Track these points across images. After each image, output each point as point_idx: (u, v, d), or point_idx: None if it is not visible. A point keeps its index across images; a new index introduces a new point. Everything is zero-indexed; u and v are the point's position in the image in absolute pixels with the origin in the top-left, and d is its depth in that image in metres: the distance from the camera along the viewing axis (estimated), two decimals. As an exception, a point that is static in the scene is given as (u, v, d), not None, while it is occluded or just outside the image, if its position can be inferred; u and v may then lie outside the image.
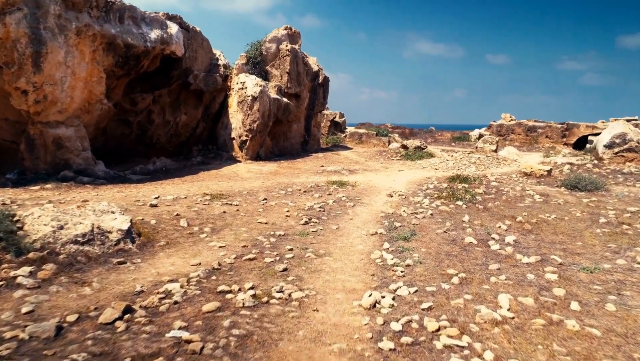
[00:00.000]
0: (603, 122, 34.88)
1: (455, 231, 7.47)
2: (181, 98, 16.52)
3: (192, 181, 12.19)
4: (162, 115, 15.86)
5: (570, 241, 6.98)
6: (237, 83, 16.82)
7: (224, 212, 8.33)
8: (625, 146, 15.55)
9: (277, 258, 5.89)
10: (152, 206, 8.28)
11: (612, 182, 12.95)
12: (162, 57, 14.04)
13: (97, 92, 11.74)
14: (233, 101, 17.03)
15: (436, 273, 5.44)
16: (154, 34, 12.95)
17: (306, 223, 7.87)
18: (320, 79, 20.56)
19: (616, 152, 15.74)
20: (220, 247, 6.31)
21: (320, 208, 9.14)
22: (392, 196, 10.93)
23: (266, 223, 7.75)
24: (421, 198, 10.53)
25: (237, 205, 9.05)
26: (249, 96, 16.20)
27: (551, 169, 14.33)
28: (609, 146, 16.01)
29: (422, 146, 20.15)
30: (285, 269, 5.44)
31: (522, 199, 10.63)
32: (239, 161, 16.20)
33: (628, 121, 33.46)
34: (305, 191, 11.01)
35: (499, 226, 7.83)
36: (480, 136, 36.93)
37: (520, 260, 5.93)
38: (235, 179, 12.70)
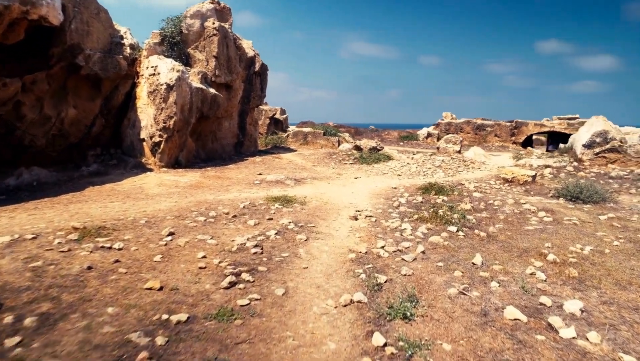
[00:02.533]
0: (548, 120, 34.91)
1: (476, 289, 4.73)
2: (69, 86, 12.54)
3: (68, 203, 8.52)
4: (38, 108, 11.80)
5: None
6: (148, 68, 13.16)
7: (90, 268, 4.96)
8: (607, 146, 14.05)
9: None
10: (-51, 264, 4.72)
11: (609, 189, 11.10)
12: (29, 25, 10.13)
13: None
14: (142, 91, 13.34)
15: None
16: (10, -12, 9.06)
17: (231, 285, 4.74)
18: (257, 66, 17.35)
19: (597, 153, 14.20)
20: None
21: (256, 247, 6.04)
22: (357, 219, 8.08)
23: (160, 290, 4.52)
24: (398, 221, 7.79)
25: (120, 249, 5.69)
26: (162, 85, 12.62)
27: (536, 174, 12.33)
28: (589, 146, 14.45)
29: (378, 147, 17.67)
30: None
31: (526, 219, 8.27)
32: (150, 170, 12.57)
33: (569, 119, 33.71)
34: (235, 216, 7.83)
35: (532, 274, 5.24)
36: (429, 134, 35.68)
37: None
38: (137, 198, 9.19)
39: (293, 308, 4.27)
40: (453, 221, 7.84)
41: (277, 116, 23.17)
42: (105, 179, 11.10)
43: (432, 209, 8.78)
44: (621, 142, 13.93)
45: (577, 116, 33.81)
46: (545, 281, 5.03)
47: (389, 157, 17.13)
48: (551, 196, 10.50)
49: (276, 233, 6.79)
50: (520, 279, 5.04)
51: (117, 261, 5.25)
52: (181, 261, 5.43)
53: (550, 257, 5.80)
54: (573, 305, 4.17)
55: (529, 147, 18.07)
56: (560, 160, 14.63)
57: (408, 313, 4.01)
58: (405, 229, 7.30)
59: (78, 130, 13.04)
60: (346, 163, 16.48)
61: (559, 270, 5.38)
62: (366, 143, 17.93)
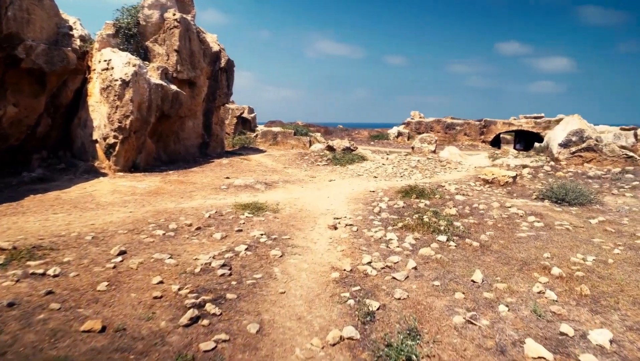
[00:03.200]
0: (515, 119, 35.45)
1: (484, 316, 4.08)
2: (7, 81, 11.18)
3: (0, 215, 7.34)
4: (-30, 106, 10.42)
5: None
6: (100, 62, 11.94)
7: (11, 304, 3.98)
8: (583, 145, 13.95)
9: None
10: None
11: (592, 190, 10.86)
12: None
13: None
14: (94, 88, 12.11)
15: None
16: None
17: (193, 320, 3.88)
18: (223, 62, 16.32)
19: (573, 152, 14.08)
20: None
21: (223, 266, 5.19)
22: (336, 228, 7.35)
23: (101, 332, 3.62)
24: (381, 230, 7.11)
25: (55, 276, 4.71)
26: (117, 80, 11.46)
27: (516, 175, 12.00)
28: (565, 145, 14.33)
29: (351, 148, 17.03)
30: None
31: (516, 224, 7.78)
32: (104, 175, 11.39)
33: (536, 118, 34.35)
34: (199, 228, 6.92)
35: (540, 292, 4.66)
36: (399, 134, 35.52)
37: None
38: (85, 208, 8.10)
39: (270, 352, 3.47)
40: (441, 229, 7.23)
41: (245, 115, 22.12)
42: (50, 186, 9.88)
43: (416, 215, 8.18)
44: (597, 141, 13.88)
45: (543, 115, 34.48)
46: (557, 301, 4.45)
47: (363, 158, 16.52)
48: (535, 198, 10.13)
49: (247, 248, 5.95)
50: (529, 300, 4.44)
51: (49, 292, 4.27)
52: (132, 289, 4.51)
53: (555, 270, 5.25)
54: (600, 336, 3.58)
55: (505, 147, 17.98)
56: (537, 159, 14.47)
57: (413, 356, 3.30)
58: (391, 240, 6.62)
59: (19, 131, 11.67)
60: (319, 164, 15.73)
61: (568, 287, 4.83)
62: (339, 143, 17.26)
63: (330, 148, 17.21)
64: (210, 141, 16.58)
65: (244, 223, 7.40)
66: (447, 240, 6.61)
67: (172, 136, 14.74)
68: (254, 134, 21.15)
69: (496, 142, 37.00)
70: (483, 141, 36.14)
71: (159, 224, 7.05)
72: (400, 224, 7.50)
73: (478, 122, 36.42)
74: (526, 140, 34.62)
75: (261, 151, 18.90)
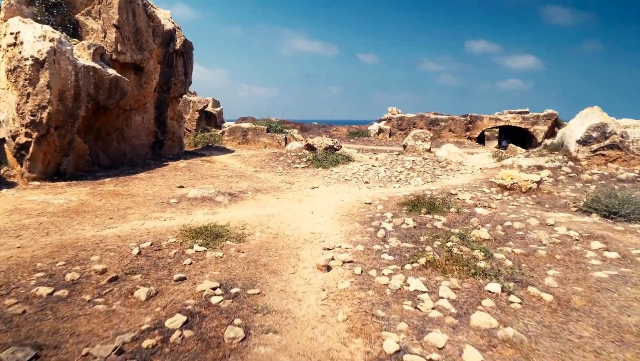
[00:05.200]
0: (500, 114, 33.99)
1: None
2: None
3: None
4: None
5: None
6: (6, 35, 9.17)
7: None
8: (606, 142, 12.08)
9: None
10: None
11: None
12: None
13: None
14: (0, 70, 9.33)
15: None
16: None
17: None
18: (178, 43, 13.67)
19: (594, 150, 12.20)
20: None
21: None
22: (329, 269, 5.02)
23: None
24: (398, 273, 4.82)
25: None
26: (27, 59, 8.74)
27: (541, 179, 9.95)
28: (584, 142, 12.43)
29: (335, 147, 14.70)
30: None
31: (578, 254, 5.65)
32: (12, 185, 8.66)
33: (520, 113, 33.00)
34: (116, 278, 4.43)
35: None
36: (380, 130, 33.56)
37: None
38: (-50, 242, 5.45)
39: None
40: (482, 266, 5.00)
41: (209, 108, 19.40)
42: None
43: (437, 241, 5.95)
44: (622, 137, 12.05)
45: (527, 110, 33.22)
46: None
47: (348, 159, 14.22)
48: (577, 211, 8.06)
49: (186, 324, 3.53)
50: None
51: None
52: None
53: None
54: None
55: (512, 145, 16.10)
56: (552, 159, 12.55)
57: None
58: (418, 292, 4.33)
59: None
60: (297, 167, 13.32)
61: None
62: (320, 141, 14.90)
63: (310, 147, 14.83)
64: (165, 139, 13.91)
65: (190, 264, 4.95)
66: (503, 290, 4.37)
67: (114, 133, 12.03)
68: (220, 131, 18.51)
69: (482, 139, 35.52)
70: (469, 138, 34.54)
71: (51, 272, 4.52)
72: (422, 260, 5.20)
73: (463, 118, 34.75)
74: (512, 136, 33.25)
75: (228, 151, 16.32)
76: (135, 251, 5.19)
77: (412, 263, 5.22)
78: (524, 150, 15.51)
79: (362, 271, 4.93)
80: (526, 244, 6.12)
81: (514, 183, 9.85)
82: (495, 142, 37.25)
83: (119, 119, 12.05)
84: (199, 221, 6.89)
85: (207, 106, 19.15)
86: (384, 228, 6.83)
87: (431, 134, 16.60)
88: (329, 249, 5.83)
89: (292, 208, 8.37)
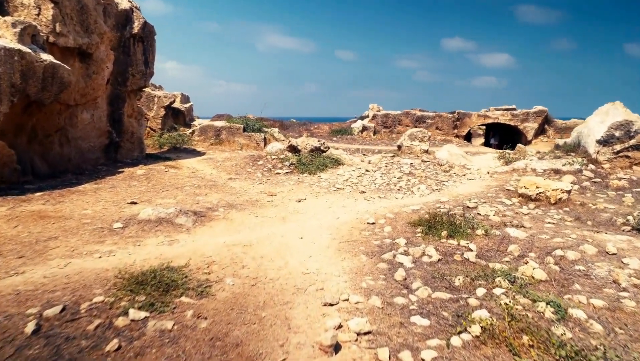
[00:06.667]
0: (486, 111, 32.93)
1: None
2: None
3: None
4: None
5: None
6: None
7: None
8: (632, 142, 10.72)
9: None
10: None
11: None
12: None
13: None
14: None
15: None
16: None
17: None
18: (136, 27, 11.62)
19: (617, 152, 10.83)
20: None
21: None
22: (337, 350, 3.30)
23: None
24: (444, 356, 3.09)
25: None
26: None
27: (571, 188, 8.43)
28: (606, 142, 11.05)
29: (322, 148, 12.93)
30: None
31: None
32: None
33: (507, 110, 31.99)
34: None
35: None
36: (364, 128, 32.02)
37: None
38: None
39: None
40: (567, 342, 3.34)
41: (177, 104, 17.29)
42: None
43: (479, 287, 4.30)
44: (649, 136, 10.72)
45: (514, 106, 32.25)
46: None
47: (337, 162, 12.48)
48: (632, 230, 6.54)
49: None
50: None
51: None
52: None
53: None
54: None
55: (520, 145, 14.69)
56: (569, 161, 11.13)
57: None
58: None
59: None
60: (279, 173, 11.49)
61: None
62: (305, 142, 13.09)
63: (293, 149, 13.01)
64: (121, 141, 11.86)
65: (117, 351, 3.12)
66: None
67: (55, 135, 9.95)
68: (190, 131, 16.45)
69: (469, 137, 34.44)
70: (457, 136, 33.32)
71: None
72: (475, 328, 3.49)
73: (451, 115, 33.48)
74: (501, 134, 32.21)
75: (198, 154, 14.34)
76: (32, 326, 3.31)
77: (460, 332, 3.52)
78: (533, 151, 14.10)
79: (390, 356, 3.19)
80: (599, 288, 4.52)
81: (540, 193, 8.30)
82: (481, 140, 36.25)
83: (61, 117, 9.98)
84: (147, 258, 5.03)
85: (174, 101, 17.04)
86: (401, 264, 5.13)
87: (429, 134, 15.02)
88: (331, 304, 4.08)
89: (275, 231, 6.57)
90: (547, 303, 3.99)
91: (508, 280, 4.58)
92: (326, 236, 6.31)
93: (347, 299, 4.18)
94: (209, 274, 4.63)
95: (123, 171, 10.44)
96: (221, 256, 5.24)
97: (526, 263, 5.10)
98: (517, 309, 3.86)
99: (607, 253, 5.49)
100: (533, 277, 4.74)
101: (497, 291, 4.33)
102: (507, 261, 5.27)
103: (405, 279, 4.71)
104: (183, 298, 4.00)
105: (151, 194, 8.49)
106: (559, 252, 5.44)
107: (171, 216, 6.72)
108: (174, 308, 3.81)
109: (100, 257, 5.08)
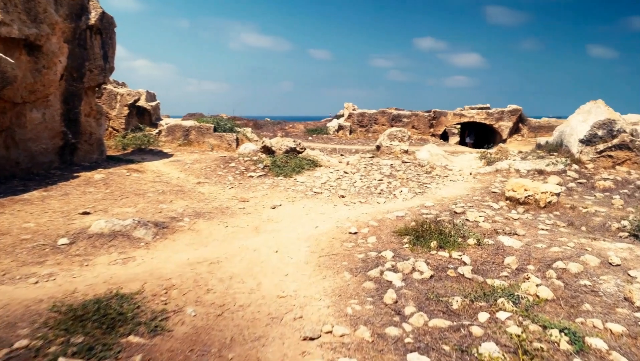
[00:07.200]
0: (461, 110, 33.01)
1: None
2: None
3: None
4: None
5: None
6: None
7: None
8: (614, 141, 10.50)
9: None
10: None
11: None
12: None
13: None
14: None
15: None
16: None
17: None
18: (93, 17, 10.65)
19: (601, 151, 10.59)
20: None
21: None
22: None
23: None
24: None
25: None
26: None
27: (560, 192, 8.06)
28: (589, 141, 10.81)
29: (298, 149, 12.25)
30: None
31: None
32: None
33: (482, 109, 32.12)
34: None
35: None
36: (340, 127, 31.57)
37: None
38: None
39: None
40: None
41: (142, 103, 16.21)
42: None
43: (480, 311, 3.75)
44: (632, 135, 10.53)
45: (489, 105, 32.36)
46: None
47: (314, 163, 11.84)
48: (629, 237, 6.15)
49: None
50: None
51: None
52: None
53: None
54: None
55: (501, 145, 14.41)
56: (553, 161, 10.85)
57: None
58: None
59: None
60: (252, 176, 10.76)
61: None
62: (279, 143, 12.39)
63: (268, 150, 12.29)
64: (78, 142, 10.86)
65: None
66: None
67: (0, 136, 8.93)
68: (156, 131, 15.46)
69: (446, 136, 34.47)
70: (433, 135, 33.20)
71: None
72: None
73: (427, 114, 33.34)
74: (476, 133, 32.32)
75: (165, 156, 13.42)
76: None
77: (466, 376, 2.95)
78: (515, 150, 13.83)
79: (388, 413, 2.59)
80: (611, 307, 4.04)
81: (528, 196, 7.90)
82: (457, 139, 36.33)
83: (6, 117, 8.97)
84: (93, 282, 4.27)
85: (139, 99, 15.97)
86: (390, 283, 4.54)
87: (409, 133, 14.57)
88: (312, 338, 3.45)
89: (247, 244, 5.88)
90: (561, 331, 3.47)
91: (511, 301, 4.05)
92: (304, 249, 5.67)
93: (331, 331, 3.56)
94: (167, 303, 3.92)
95: (79, 176, 9.49)
96: (183, 278, 4.53)
97: (528, 279, 4.60)
98: (529, 342, 3.32)
99: (610, 263, 5.06)
100: (538, 296, 4.24)
101: (502, 315, 3.80)
102: (505, 276, 4.77)
103: (396, 302, 4.12)
104: (132, 338, 3.28)
105: (108, 203, 7.64)
106: (560, 264, 4.97)
107: (128, 229, 5.93)
108: (119, 351, 3.10)
109: (36, 282, 4.28)
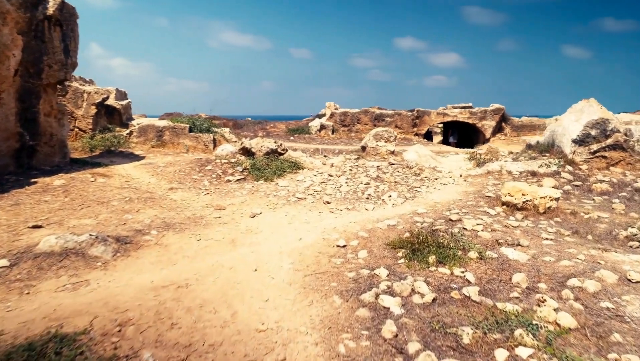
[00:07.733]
0: (444, 109, 32.81)
1: None
2: None
3: None
4: None
5: None
6: None
7: None
8: (608, 141, 10.15)
9: None
10: None
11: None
12: None
13: None
14: None
15: None
16: None
17: None
18: (52, 7, 9.73)
19: (594, 152, 10.23)
20: None
21: None
22: None
23: None
24: None
25: None
26: None
27: (559, 196, 7.59)
28: (582, 142, 10.43)
29: (279, 151, 11.55)
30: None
31: None
32: None
33: (465, 107, 31.97)
34: None
35: None
36: (322, 127, 30.95)
37: None
38: None
39: None
40: None
41: (111, 101, 15.19)
42: None
43: (496, 345, 3.15)
44: (626, 135, 10.20)
45: (471, 104, 32.21)
46: None
47: (297, 166, 11.16)
48: (643, 248, 5.70)
49: None
50: None
51: None
52: None
53: None
54: None
55: (490, 145, 14.02)
56: (546, 163, 10.45)
57: None
58: None
59: None
60: (230, 180, 10.01)
61: None
62: (259, 144, 11.67)
63: (247, 151, 11.56)
64: (37, 144, 9.93)
65: None
66: None
67: (-56, 137, 7.98)
68: (127, 131, 14.50)
69: (429, 135, 34.21)
70: (416, 134, 32.87)
71: None
72: None
73: (410, 113, 32.99)
74: (459, 132, 32.15)
75: (136, 158, 12.55)
76: None
77: None
78: (506, 151, 13.43)
79: None
80: (634, 337, 3.51)
81: (526, 201, 7.40)
82: (440, 138, 36.11)
83: (-49, 116, 8.04)
84: (31, 318, 3.53)
85: (108, 97, 14.95)
86: (388, 310, 3.92)
87: (396, 133, 14.01)
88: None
89: (222, 260, 5.18)
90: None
91: (530, 332, 3.48)
92: (287, 267, 5.01)
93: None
94: (118, 347, 3.20)
95: (36, 182, 8.60)
96: (143, 309, 3.81)
97: (544, 302, 4.04)
98: (563, 389, 2.75)
99: (629, 280, 4.54)
100: (559, 324, 3.68)
101: (522, 351, 3.22)
102: (517, 298, 4.20)
103: (397, 335, 3.50)
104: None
105: (65, 213, 6.82)
106: (574, 282, 4.43)
107: (83, 246, 5.16)
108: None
109: (-41, 320, 3.51)
